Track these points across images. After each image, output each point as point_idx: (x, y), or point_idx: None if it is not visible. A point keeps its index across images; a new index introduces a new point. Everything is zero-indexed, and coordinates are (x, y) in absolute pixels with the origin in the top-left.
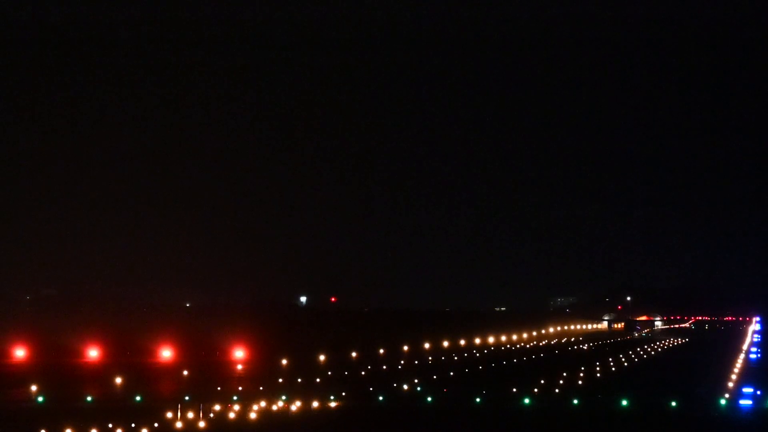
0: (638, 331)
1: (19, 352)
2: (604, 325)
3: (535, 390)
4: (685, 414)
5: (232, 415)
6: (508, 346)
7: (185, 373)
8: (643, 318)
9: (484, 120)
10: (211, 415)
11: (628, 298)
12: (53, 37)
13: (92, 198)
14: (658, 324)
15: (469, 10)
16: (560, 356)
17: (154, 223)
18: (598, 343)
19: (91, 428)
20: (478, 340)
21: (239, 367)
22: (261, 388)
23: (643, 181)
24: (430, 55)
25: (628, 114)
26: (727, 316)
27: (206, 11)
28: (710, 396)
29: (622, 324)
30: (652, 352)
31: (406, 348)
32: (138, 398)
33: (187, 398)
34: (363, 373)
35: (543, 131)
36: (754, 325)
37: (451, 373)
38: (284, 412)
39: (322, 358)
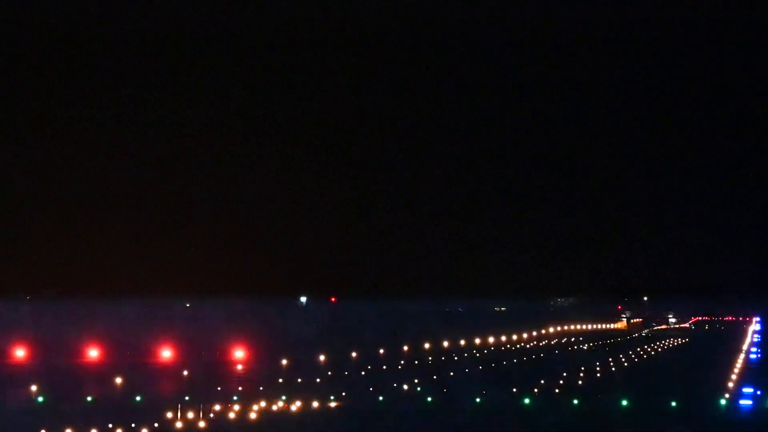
0: (654, 327)
1: (19, 352)
2: (623, 322)
3: (535, 390)
4: (685, 414)
5: (232, 415)
6: (508, 346)
7: (185, 373)
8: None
9: (483, 119)
10: (211, 415)
11: (645, 298)
12: (52, 37)
13: (93, 198)
14: (672, 321)
15: (468, 10)
16: (560, 356)
17: (155, 223)
18: (598, 342)
19: (91, 428)
20: (478, 340)
21: (239, 367)
22: (261, 388)
23: (643, 180)
24: (429, 53)
25: (628, 113)
26: (727, 316)
27: (205, 11)
28: (710, 396)
29: (640, 320)
30: (652, 352)
31: (406, 348)
32: (138, 398)
33: (187, 398)
34: (363, 373)
35: (544, 130)
36: (754, 325)
37: (451, 373)
38: (284, 412)
39: (322, 358)
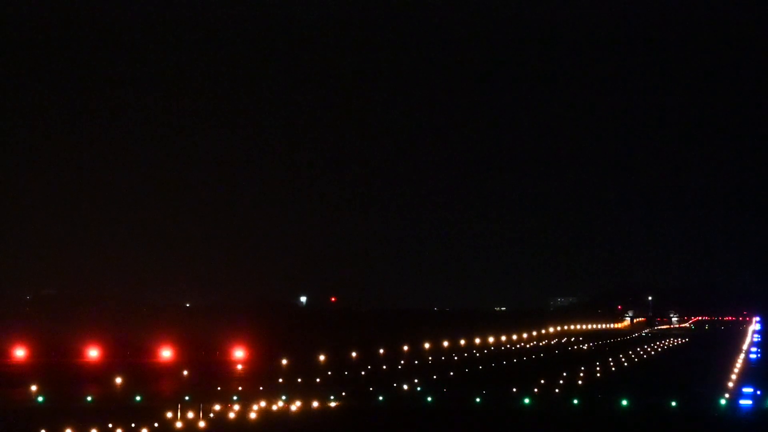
0: (658, 324)
1: (19, 352)
2: (627, 321)
3: (535, 390)
4: (685, 414)
5: (232, 415)
6: (508, 346)
7: (185, 373)
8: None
9: (483, 120)
10: (211, 415)
11: (650, 298)
12: (52, 37)
13: (92, 198)
14: (675, 320)
15: (468, 11)
16: (560, 356)
17: (155, 224)
18: (598, 342)
19: (91, 428)
20: (478, 340)
21: (239, 367)
22: (261, 388)
23: (643, 181)
24: (430, 55)
25: (628, 114)
26: (727, 316)
27: (206, 11)
28: (710, 396)
29: (643, 319)
30: (652, 352)
31: (406, 348)
32: (138, 398)
33: (187, 398)
34: (363, 373)
35: (543, 131)
36: (754, 325)
37: (451, 373)
38: (284, 412)
39: (322, 358)
